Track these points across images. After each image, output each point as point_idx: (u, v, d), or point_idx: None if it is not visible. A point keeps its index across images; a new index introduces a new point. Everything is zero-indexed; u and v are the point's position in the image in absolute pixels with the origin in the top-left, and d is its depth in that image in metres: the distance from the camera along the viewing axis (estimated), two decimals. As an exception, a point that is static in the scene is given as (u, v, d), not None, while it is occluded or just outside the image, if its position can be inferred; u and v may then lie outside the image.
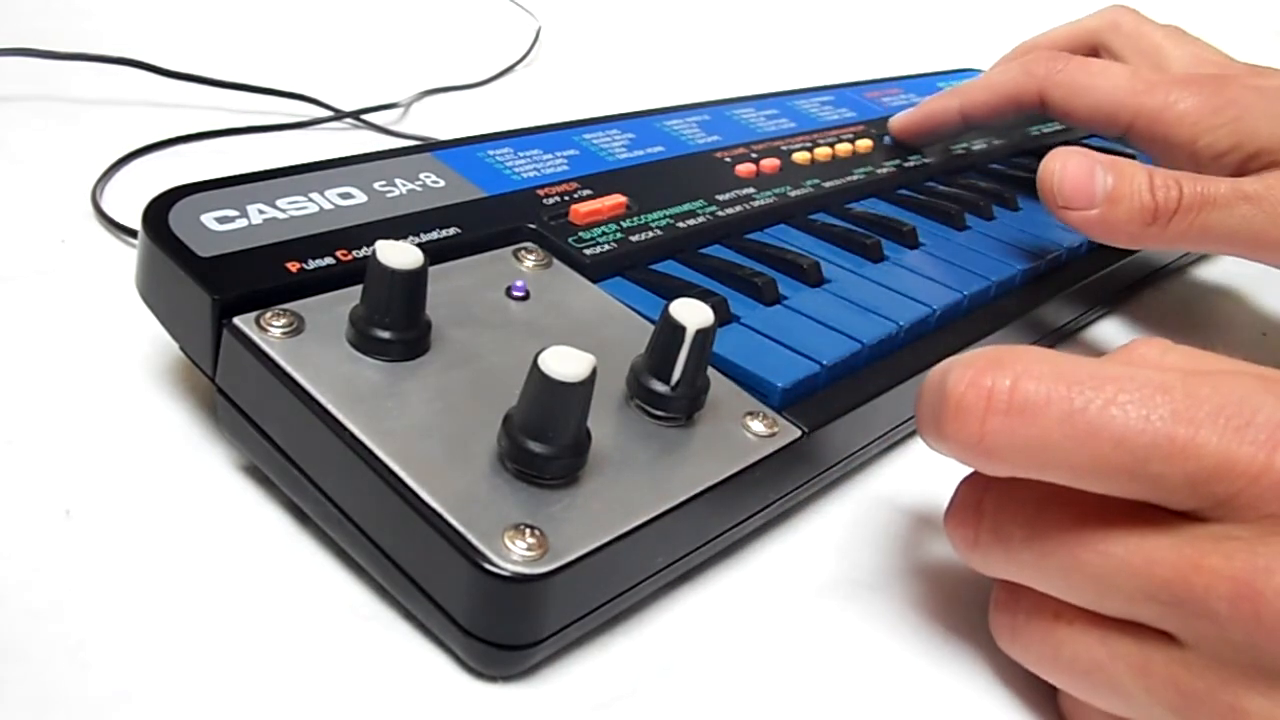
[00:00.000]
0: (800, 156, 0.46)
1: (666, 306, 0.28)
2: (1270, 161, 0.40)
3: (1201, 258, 0.56)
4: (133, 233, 0.40)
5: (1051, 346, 0.45)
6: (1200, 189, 0.38)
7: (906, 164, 0.49)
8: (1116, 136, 0.45)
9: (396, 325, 0.28)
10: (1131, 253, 0.47)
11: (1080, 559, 0.24)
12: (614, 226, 0.37)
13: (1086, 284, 0.45)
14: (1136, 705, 0.24)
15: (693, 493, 0.27)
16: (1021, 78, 0.46)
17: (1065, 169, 0.38)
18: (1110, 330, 0.48)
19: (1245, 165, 0.41)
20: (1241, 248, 0.39)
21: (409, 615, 0.26)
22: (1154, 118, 0.42)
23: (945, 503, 0.27)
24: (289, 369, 0.27)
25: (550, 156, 0.40)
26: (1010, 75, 0.46)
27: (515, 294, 0.32)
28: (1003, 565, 0.26)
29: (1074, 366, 0.24)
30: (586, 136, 0.43)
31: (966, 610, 0.30)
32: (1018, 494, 0.26)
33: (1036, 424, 0.23)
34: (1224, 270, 0.56)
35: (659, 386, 0.28)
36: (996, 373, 0.24)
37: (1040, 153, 0.56)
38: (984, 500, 0.26)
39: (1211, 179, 0.39)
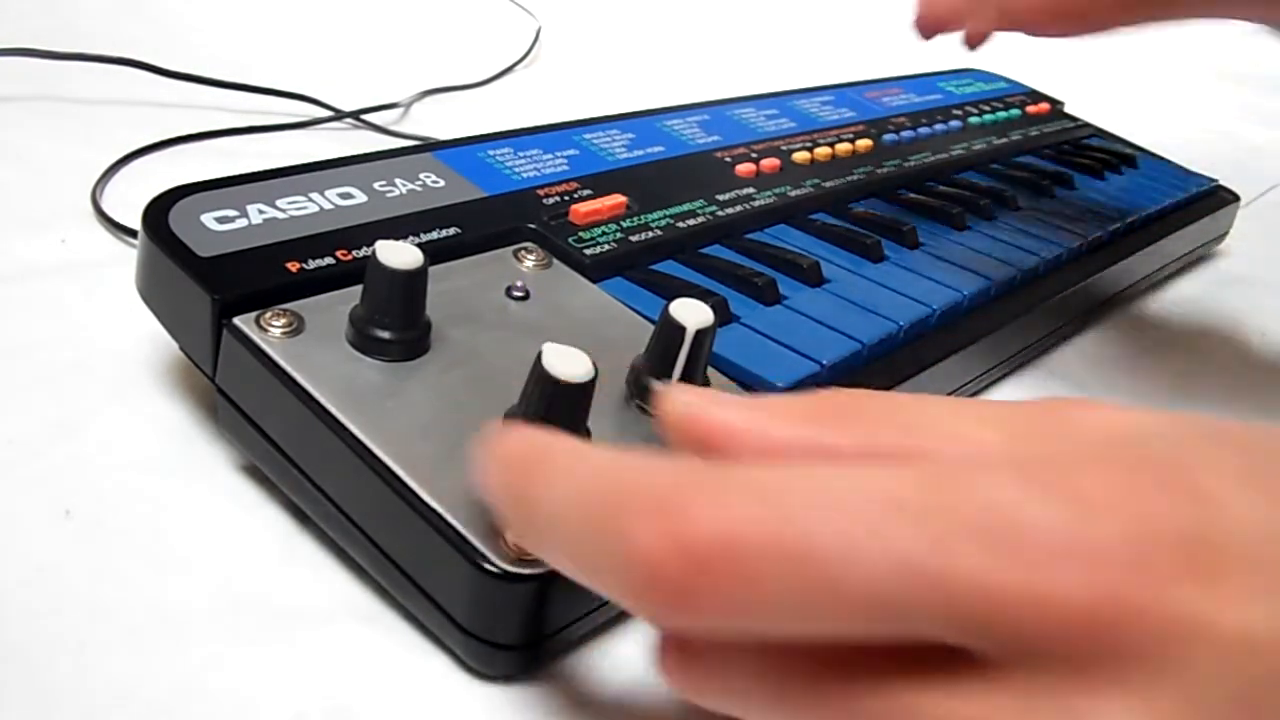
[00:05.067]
0: (800, 156, 0.46)
1: (666, 306, 0.28)
2: None
3: (1210, 251, 0.56)
4: (133, 233, 0.40)
5: (1055, 345, 0.45)
6: None
7: (906, 164, 0.49)
8: None
9: (396, 325, 0.28)
10: (1134, 250, 0.47)
11: (830, 707, 0.19)
12: (614, 226, 0.37)
13: (1088, 284, 0.45)
14: None
15: (693, 493, 0.27)
16: None
17: None
18: (1112, 331, 0.48)
19: None
20: None
21: (409, 616, 0.26)
22: None
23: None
24: (289, 369, 0.27)
25: (550, 156, 0.40)
26: None
27: (515, 294, 0.32)
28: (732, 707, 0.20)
29: (789, 480, 0.18)
30: (586, 136, 0.43)
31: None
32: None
33: (765, 584, 0.17)
34: (1230, 268, 0.56)
35: (659, 386, 0.28)
36: (691, 517, 0.18)
37: (1040, 152, 0.56)
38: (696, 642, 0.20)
39: None
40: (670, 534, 0.17)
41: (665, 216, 0.39)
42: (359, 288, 0.28)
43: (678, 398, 0.22)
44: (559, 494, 0.20)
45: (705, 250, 0.38)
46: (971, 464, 0.19)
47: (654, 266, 0.36)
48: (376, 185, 0.35)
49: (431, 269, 0.29)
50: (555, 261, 0.35)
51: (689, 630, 0.19)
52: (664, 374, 0.28)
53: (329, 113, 0.55)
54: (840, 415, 0.21)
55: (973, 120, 0.57)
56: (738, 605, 0.18)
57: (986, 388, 0.41)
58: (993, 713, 0.17)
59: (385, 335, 0.28)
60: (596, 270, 0.35)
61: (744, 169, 0.43)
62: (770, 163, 0.45)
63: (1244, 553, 0.17)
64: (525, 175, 0.38)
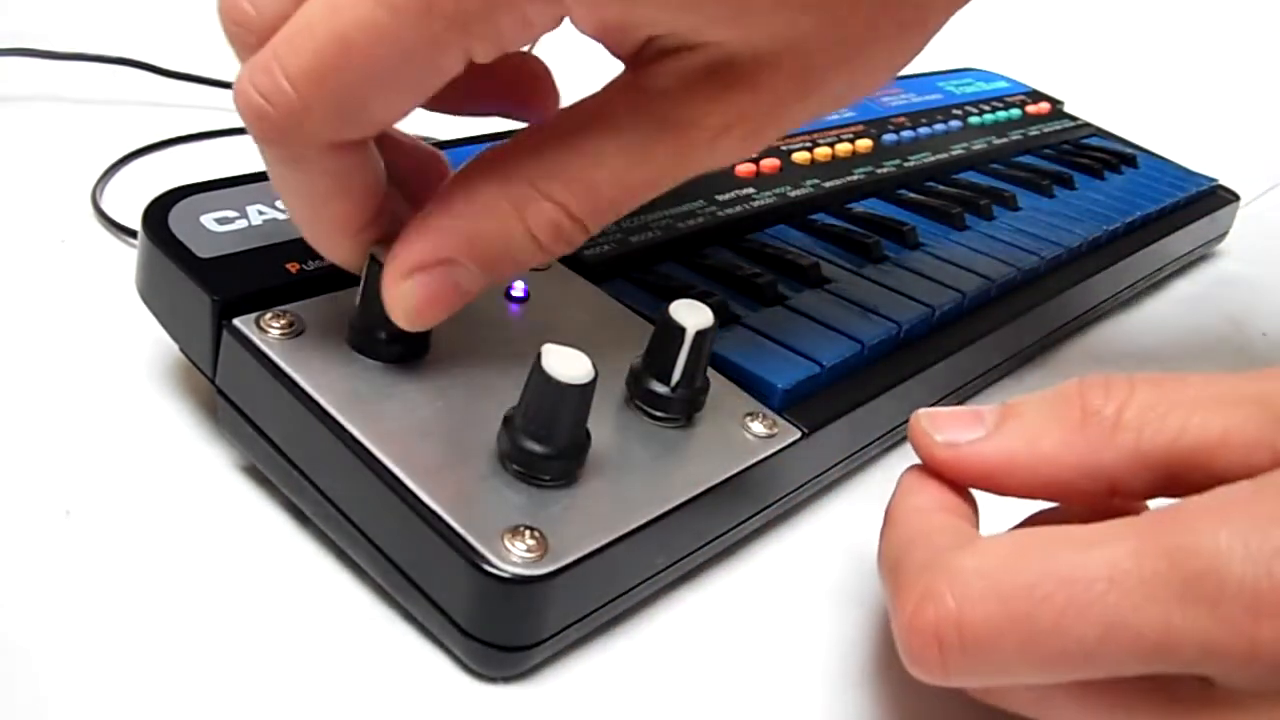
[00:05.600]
0: (800, 156, 0.46)
1: (666, 307, 0.28)
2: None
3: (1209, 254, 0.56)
4: (133, 233, 0.39)
5: (1055, 345, 0.45)
6: None
7: (906, 164, 0.49)
8: None
9: (395, 326, 0.28)
10: (1134, 250, 0.47)
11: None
12: (614, 226, 0.37)
13: (1088, 284, 0.44)
14: None
15: (693, 493, 0.27)
16: None
17: None
18: (1112, 331, 0.48)
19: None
20: None
21: (409, 616, 0.26)
22: None
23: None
24: (288, 370, 0.27)
25: (550, 156, 0.40)
26: None
27: (515, 294, 0.32)
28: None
29: (1013, 569, 0.21)
30: (586, 136, 0.43)
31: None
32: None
33: (996, 656, 0.21)
34: (1230, 268, 0.56)
35: (659, 387, 0.28)
36: (935, 605, 0.22)
37: (1040, 152, 0.56)
38: (944, 633, 0.22)
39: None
40: (919, 623, 0.22)
41: (665, 216, 0.39)
42: (358, 288, 0.28)
43: (940, 439, 0.26)
44: (883, 545, 0.25)
45: (705, 250, 0.38)
46: (1192, 515, 0.21)
47: (654, 266, 0.36)
48: (376, 185, 0.35)
49: (431, 269, 0.28)
50: (555, 262, 0.35)
51: (947, 684, 0.23)
52: (664, 374, 0.28)
53: (329, 112, 0.55)
54: (1103, 423, 0.24)
55: (973, 120, 0.57)
56: (974, 672, 0.22)
57: (986, 388, 0.41)
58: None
59: (384, 336, 0.28)
60: (596, 270, 0.35)
61: (744, 169, 0.43)
62: (770, 163, 0.45)
63: None
64: (525, 175, 0.38)
